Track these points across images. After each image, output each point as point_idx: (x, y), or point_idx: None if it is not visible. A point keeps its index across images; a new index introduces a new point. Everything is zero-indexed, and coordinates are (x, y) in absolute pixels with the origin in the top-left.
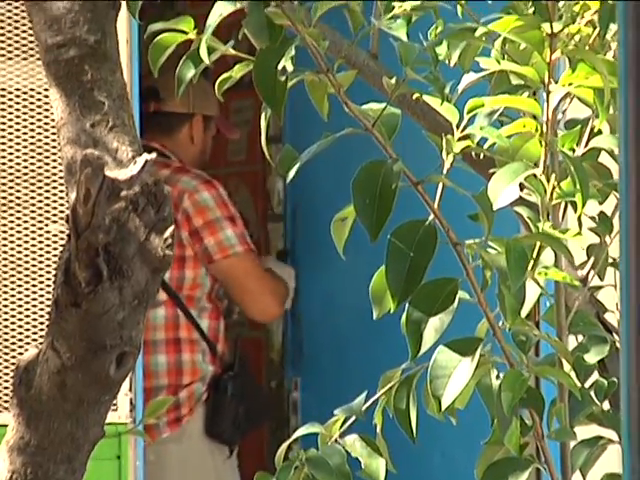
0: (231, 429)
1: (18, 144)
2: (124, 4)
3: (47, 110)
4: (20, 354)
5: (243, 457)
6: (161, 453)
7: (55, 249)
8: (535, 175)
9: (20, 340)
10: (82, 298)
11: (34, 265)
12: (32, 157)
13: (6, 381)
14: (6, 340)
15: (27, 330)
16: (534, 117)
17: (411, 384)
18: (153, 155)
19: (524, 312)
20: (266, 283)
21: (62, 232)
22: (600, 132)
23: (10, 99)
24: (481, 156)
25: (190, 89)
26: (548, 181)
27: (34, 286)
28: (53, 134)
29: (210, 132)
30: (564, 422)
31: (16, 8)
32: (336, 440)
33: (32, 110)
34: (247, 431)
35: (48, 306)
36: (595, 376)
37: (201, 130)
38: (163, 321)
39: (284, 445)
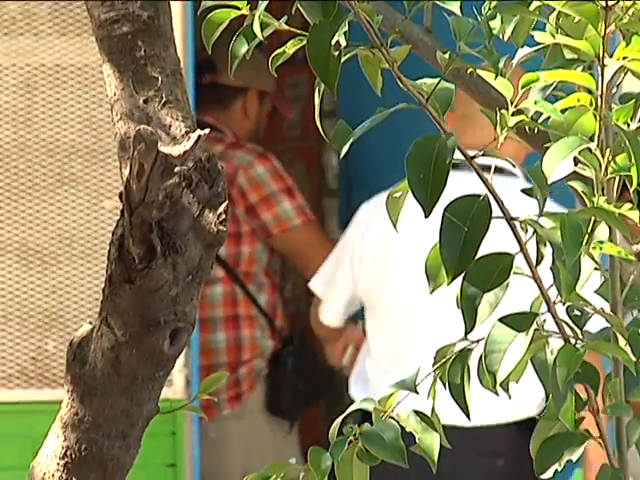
0: (291, 404)
1: (72, 120)
2: None
3: (101, 86)
4: (75, 330)
5: (306, 431)
6: (222, 429)
7: (109, 225)
8: (590, 149)
9: (75, 316)
10: (136, 274)
11: (89, 241)
12: (86, 133)
13: (61, 357)
14: (61, 316)
15: (82, 306)
16: (588, 91)
17: (466, 359)
18: (206, 131)
19: (579, 287)
20: (329, 251)
21: (116, 208)
22: None
23: (64, 75)
24: (535, 130)
25: (246, 63)
26: (603, 155)
27: (89, 262)
28: (107, 110)
29: (265, 108)
30: (619, 397)
31: None
32: (390, 415)
33: (86, 86)
34: (307, 406)
35: (102, 282)
36: None
37: (256, 105)
38: (221, 298)
39: (338, 420)
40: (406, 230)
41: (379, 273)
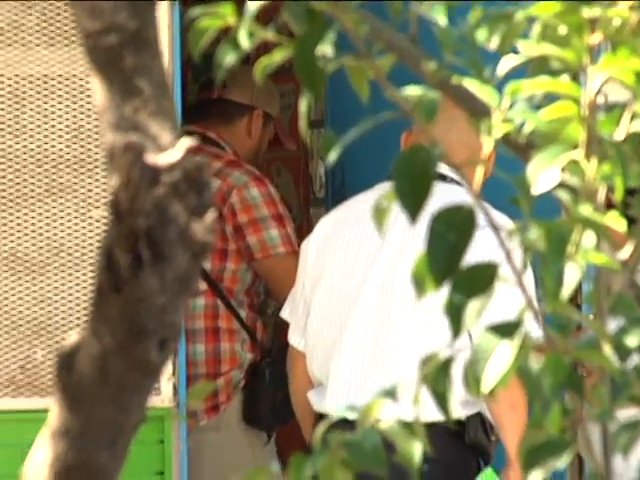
0: (269, 415)
1: (61, 130)
2: None
3: (89, 96)
4: (62, 339)
5: (283, 442)
6: (199, 441)
7: (97, 234)
8: (576, 158)
9: (63, 325)
10: (123, 283)
11: (77, 250)
12: (74, 143)
13: (50, 366)
14: (49, 325)
15: (70, 315)
16: (574, 100)
17: (449, 367)
18: (194, 141)
19: (565, 295)
20: None
21: (104, 217)
22: None
23: (52, 85)
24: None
25: (255, 84)
26: (589, 164)
27: (77, 271)
28: (95, 120)
29: (268, 131)
30: (605, 405)
31: None
32: (374, 423)
33: (74, 96)
34: (286, 417)
35: (90, 291)
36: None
37: (260, 126)
38: (202, 310)
39: (320, 429)
40: (344, 234)
41: (318, 272)
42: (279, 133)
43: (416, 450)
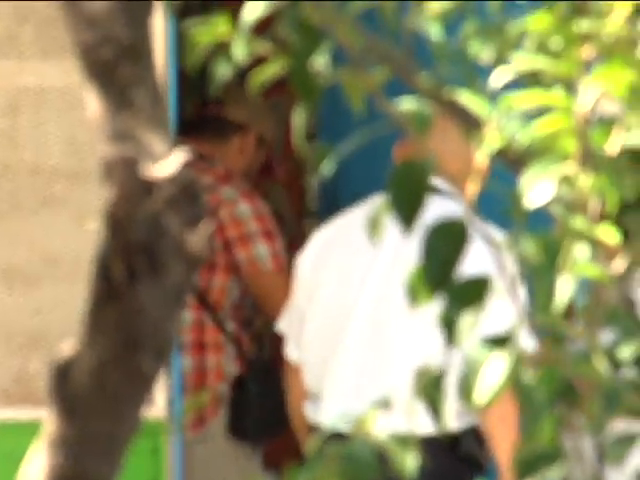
0: (255, 428)
1: (56, 141)
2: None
3: (84, 108)
4: (58, 350)
5: (272, 455)
6: (185, 454)
7: (93, 246)
8: (568, 171)
9: (59, 336)
10: (119, 295)
11: (72, 262)
12: (70, 154)
13: (45, 377)
14: (45, 337)
15: (65, 326)
16: (567, 113)
17: (442, 380)
18: (188, 154)
19: (559, 308)
20: None
21: (99, 229)
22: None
23: (48, 97)
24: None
25: (252, 105)
26: (582, 177)
27: (72, 283)
28: (90, 131)
29: (261, 154)
30: (599, 416)
31: (52, 7)
32: (368, 435)
33: (69, 108)
34: (273, 430)
35: (86, 303)
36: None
37: (253, 145)
38: (189, 324)
39: (314, 441)
40: (337, 247)
41: (313, 286)
42: (271, 159)
43: (410, 463)
